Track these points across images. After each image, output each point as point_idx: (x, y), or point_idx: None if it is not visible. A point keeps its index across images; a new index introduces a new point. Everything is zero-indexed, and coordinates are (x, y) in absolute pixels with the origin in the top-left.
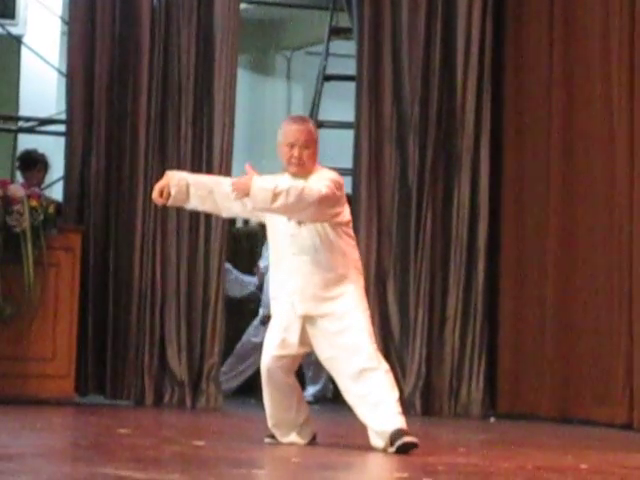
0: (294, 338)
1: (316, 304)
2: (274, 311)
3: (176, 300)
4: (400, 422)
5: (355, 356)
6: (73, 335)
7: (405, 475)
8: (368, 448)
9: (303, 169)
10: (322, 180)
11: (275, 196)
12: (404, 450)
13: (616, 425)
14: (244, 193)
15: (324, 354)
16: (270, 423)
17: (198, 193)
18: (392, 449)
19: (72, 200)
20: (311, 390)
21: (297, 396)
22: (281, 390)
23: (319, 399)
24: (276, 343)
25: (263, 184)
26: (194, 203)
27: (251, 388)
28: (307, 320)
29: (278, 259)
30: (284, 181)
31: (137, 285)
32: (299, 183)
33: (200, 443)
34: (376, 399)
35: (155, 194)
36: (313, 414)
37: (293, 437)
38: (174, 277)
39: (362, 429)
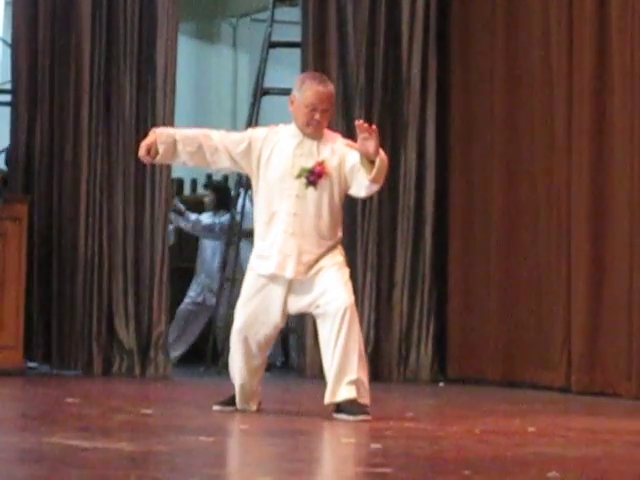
0: (278, 305)
1: (306, 270)
2: (258, 272)
3: (123, 269)
4: (352, 392)
5: (336, 307)
6: (20, 305)
7: (352, 440)
8: (316, 415)
9: (319, 132)
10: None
11: (385, 166)
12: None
13: (555, 388)
14: (374, 152)
15: (308, 309)
16: (237, 388)
17: (187, 149)
18: (340, 416)
19: (18, 170)
20: None
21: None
22: (256, 358)
23: (269, 366)
24: (256, 309)
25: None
26: (183, 159)
27: (200, 356)
28: (293, 283)
29: (271, 218)
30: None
31: (84, 254)
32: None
33: (148, 411)
34: (350, 345)
35: (142, 152)
36: (263, 381)
37: (248, 404)
38: (121, 245)
39: (309, 396)
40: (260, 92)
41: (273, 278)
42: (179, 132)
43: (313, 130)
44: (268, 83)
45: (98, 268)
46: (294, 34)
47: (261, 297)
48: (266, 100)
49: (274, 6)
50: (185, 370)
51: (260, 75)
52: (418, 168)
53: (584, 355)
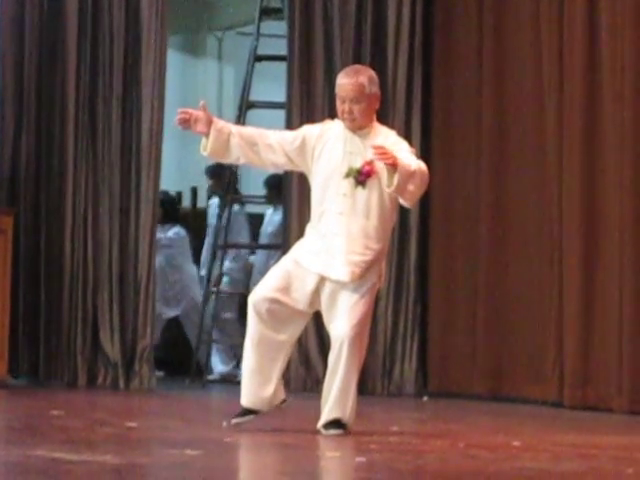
0: (308, 292)
1: (352, 276)
2: (302, 263)
3: (108, 281)
4: (338, 413)
5: (335, 336)
6: (5, 317)
7: (337, 454)
8: (301, 429)
9: (355, 124)
10: (407, 154)
11: (409, 176)
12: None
13: (547, 403)
14: (393, 162)
15: (325, 320)
16: (246, 376)
17: (240, 143)
18: (324, 431)
19: (3, 182)
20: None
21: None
22: (274, 334)
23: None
24: (280, 284)
25: (405, 161)
26: (236, 153)
27: (185, 368)
28: (327, 283)
29: (320, 217)
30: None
31: (69, 267)
32: (417, 162)
33: (133, 424)
34: (341, 379)
35: (180, 114)
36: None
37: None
38: (106, 258)
39: (294, 410)
40: (246, 105)
41: (309, 273)
42: (236, 127)
43: (348, 123)
44: (254, 96)
45: (83, 281)
46: (280, 48)
47: (291, 279)
48: (252, 113)
49: (260, 20)
50: (170, 383)
51: (246, 88)
52: None
53: (576, 370)
